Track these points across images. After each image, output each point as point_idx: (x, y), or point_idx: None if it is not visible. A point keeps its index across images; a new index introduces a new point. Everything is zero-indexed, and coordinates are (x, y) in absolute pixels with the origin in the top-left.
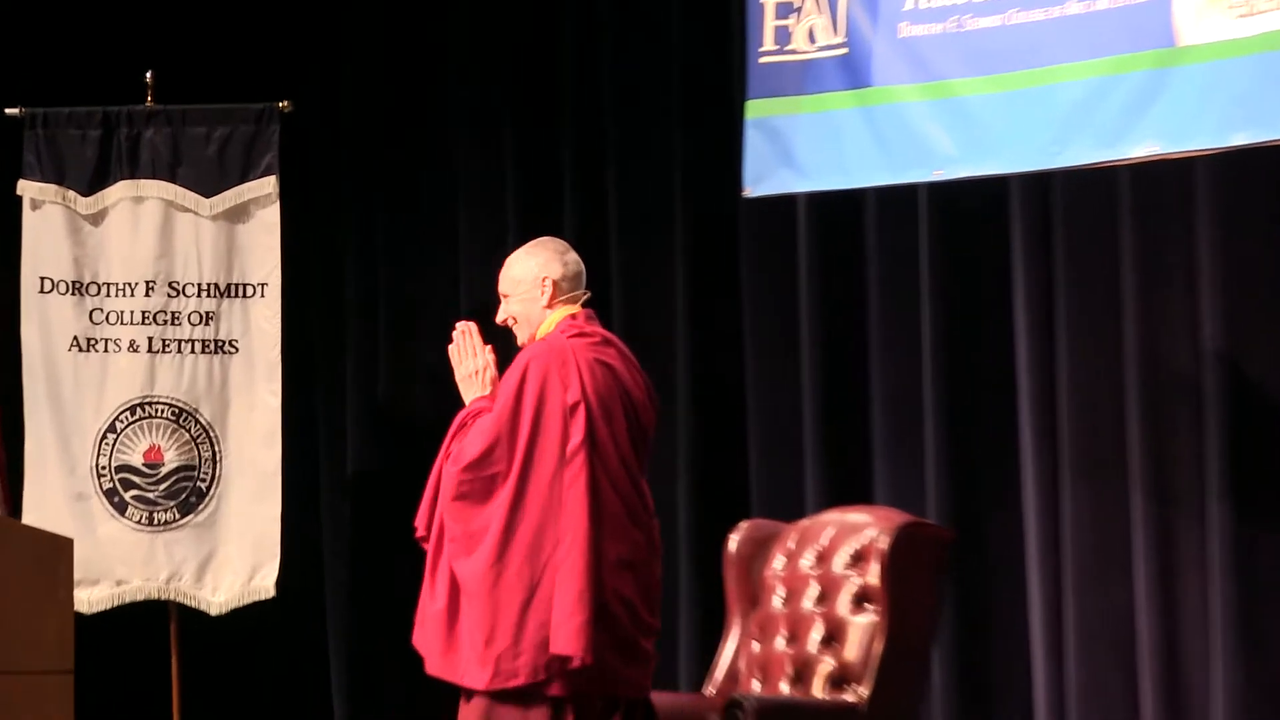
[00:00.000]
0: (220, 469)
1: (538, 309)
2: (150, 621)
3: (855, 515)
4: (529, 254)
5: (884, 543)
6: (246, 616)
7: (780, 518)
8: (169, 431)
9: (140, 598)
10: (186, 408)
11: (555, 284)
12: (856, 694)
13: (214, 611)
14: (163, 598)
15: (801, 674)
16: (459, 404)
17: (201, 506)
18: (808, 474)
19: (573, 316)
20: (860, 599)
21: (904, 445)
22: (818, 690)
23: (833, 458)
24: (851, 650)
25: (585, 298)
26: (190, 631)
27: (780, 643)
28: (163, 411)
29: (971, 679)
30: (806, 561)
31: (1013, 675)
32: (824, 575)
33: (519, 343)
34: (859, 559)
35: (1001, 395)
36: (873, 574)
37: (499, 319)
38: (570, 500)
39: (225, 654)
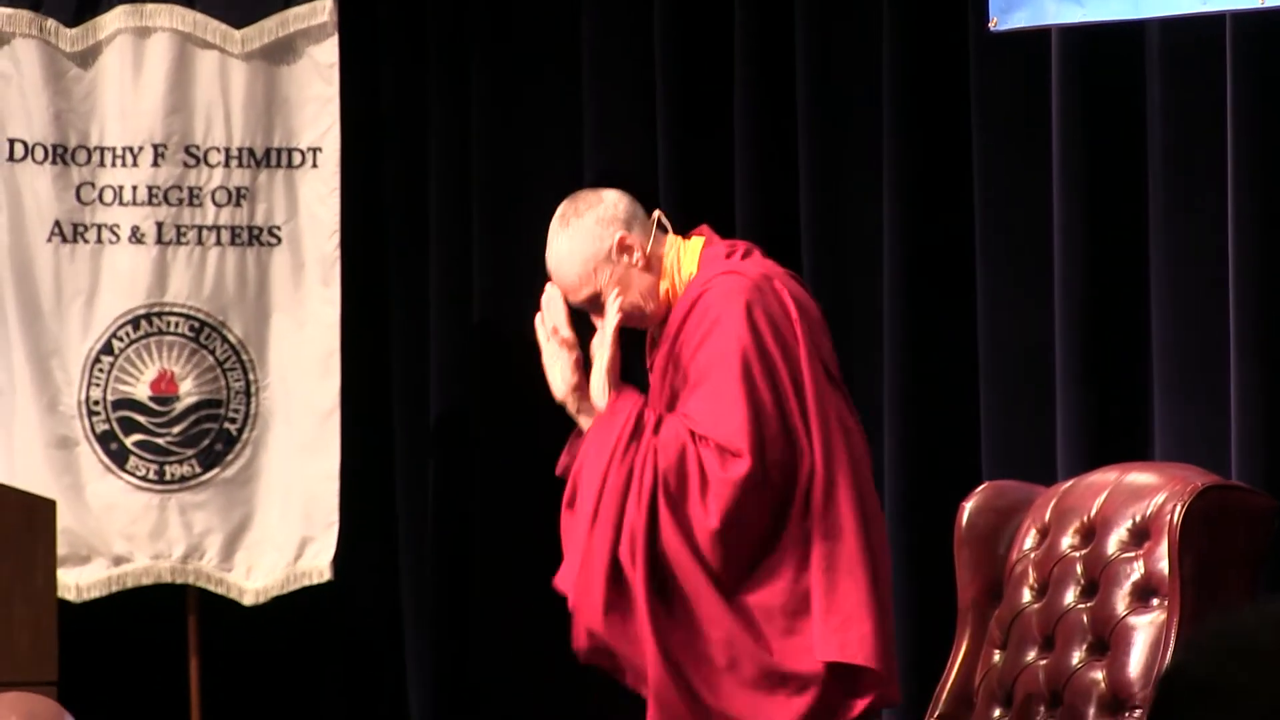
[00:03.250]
0: (256, 406)
1: (641, 277)
2: (162, 613)
3: (1136, 475)
4: (569, 236)
5: (1177, 513)
6: (292, 607)
7: (1026, 479)
8: (186, 353)
9: (148, 581)
10: (210, 321)
11: (636, 243)
12: None
13: (248, 601)
14: (178, 581)
15: (1060, 696)
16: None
17: (231, 457)
18: (1059, 420)
19: (710, 244)
20: (1143, 591)
21: (1199, 383)
22: (1084, 717)
23: (1097, 398)
24: (1130, 663)
25: (661, 219)
26: (215, 627)
27: (1032, 652)
28: (177, 326)
29: None
30: (1068, 539)
31: None
32: (1093, 558)
33: (653, 324)
34: (1141, 536)
35: None
36: (1161, 557)
37: (604, 341)
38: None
39: (262, 657)
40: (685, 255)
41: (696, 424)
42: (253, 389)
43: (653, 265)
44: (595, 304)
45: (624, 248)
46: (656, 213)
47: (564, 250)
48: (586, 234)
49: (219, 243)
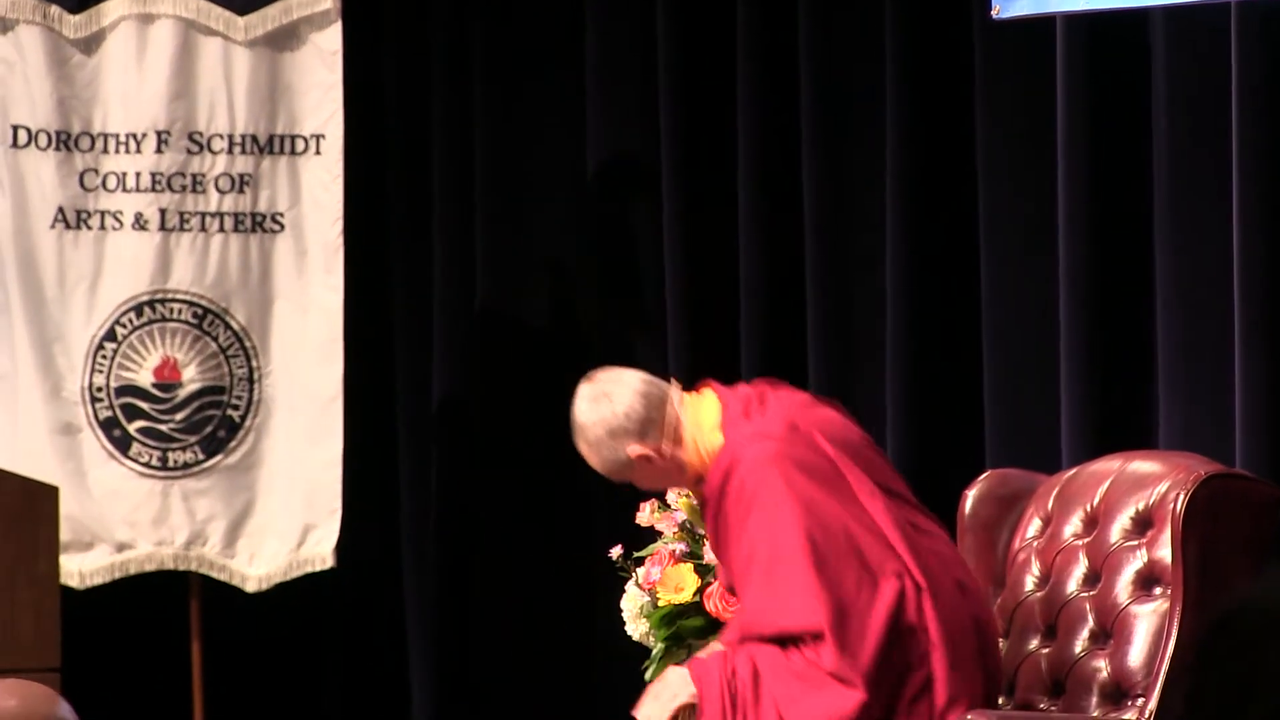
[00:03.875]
0: (259, 392)
1: (667, 467)
2: (164, 599)
3: (1139, 464)
4: (591, 444)
5: (1180, 502)
6: (295, 594)
7: (1030, 467)
8: (189, 340)
9: (150, 568)
10: (213, 307)
11: (653, 450)
12: (1138, 711)
13: (250, 588)
14: (181, 568)
15: (1062, 684)
16: (585, 307)
17: (234, 444)
18: (1064, 407)
19: (724, 404)
20: (1146, 580)
21: (1203, 372)
22: (1087, 707)
23: (1101, 387)
24: (1132, 652)
25: (680, 391)
26: (218, 613)
27: (1034, 641)
28: (180, 313)
29: None
30: (1071, 528)
31: None
32: (1095, 547)
33: (693, 496)
34: (1145, 524)
35: None
36: (1164, 545)
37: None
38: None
39: (265, 644)
40: (705, 423)
41: (765, 621)
42: (255, 376)
43: (675, 453)
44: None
45: (641, 459)
46: (671, 388)
47: (587, 450)
48: (602, 447)
49: (222, 229)
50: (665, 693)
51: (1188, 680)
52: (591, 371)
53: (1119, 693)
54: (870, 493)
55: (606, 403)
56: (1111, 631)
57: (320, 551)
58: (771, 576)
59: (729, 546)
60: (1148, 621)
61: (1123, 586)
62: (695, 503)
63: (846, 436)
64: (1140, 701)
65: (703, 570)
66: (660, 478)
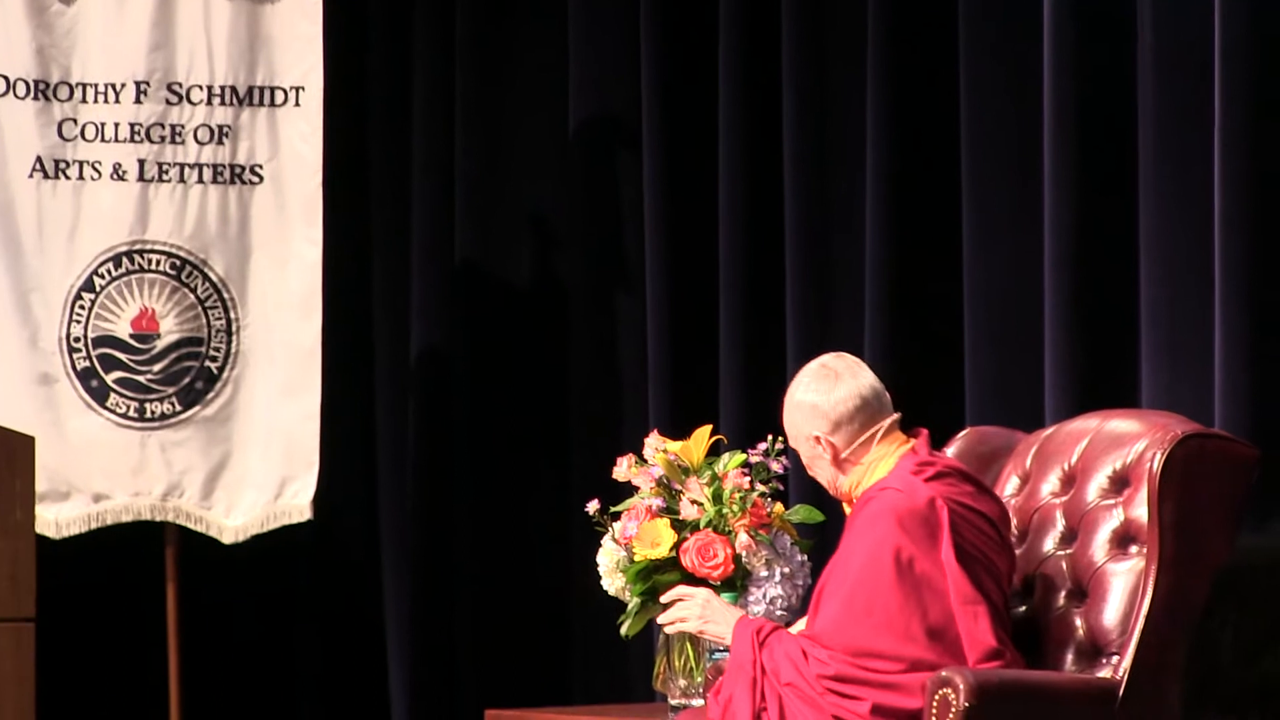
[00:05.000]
0: (237, 344)
1: (828, 469)
2: (141, 550)
3: (1117, 423)
4: (793, 404)
5: (1157, 461)
6: (272, 545)
7: (1012, 425)
8: (167, 291)
9: (128, 519)
10: (191, 259)
11: (829, 439)
12: (1112, 669)
13: (228, 539)
14: (158, 519)
15: (1040, 641)
16: (574, 265)
17: (211, 396)
18: (1047, 365)
19: (913, 453)
20: (1122, 539)
21: (1186, 329)
22: (1062, 664)
23: (1083, 344)
24: (1108, 610)
25: (895, 425)
26: (194, 564)
27: (1012, 598)
28: (158, 264)
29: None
30: (1049, 486)
31: None
32: (1073, 505)
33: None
34: (1122, 483)
35: None
36: (1140, 504)
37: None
38: None
39: (242, 594)
40: (886, 461)
41: (849, 635)
42: (234, 327)
43: (844, 463)
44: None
45: (816, 445)
46: (884, 422)
47: (787, 411)
48: (800, 411)
49: (201, 180)
50: (712, 615)
51: (1196, 633)
52: (844, 352)
53: (1094, 650)
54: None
55: (830, 382)
56: (1087, 589)
57: (298, 504)
58: (862, 597)
59: (838, 563)
60: (1124, 580)
61: (1099, 545)
62: (679, 461)
63: (985, 528)
64: (1115, 659)
65: (679, 525)
66: (820, 470)
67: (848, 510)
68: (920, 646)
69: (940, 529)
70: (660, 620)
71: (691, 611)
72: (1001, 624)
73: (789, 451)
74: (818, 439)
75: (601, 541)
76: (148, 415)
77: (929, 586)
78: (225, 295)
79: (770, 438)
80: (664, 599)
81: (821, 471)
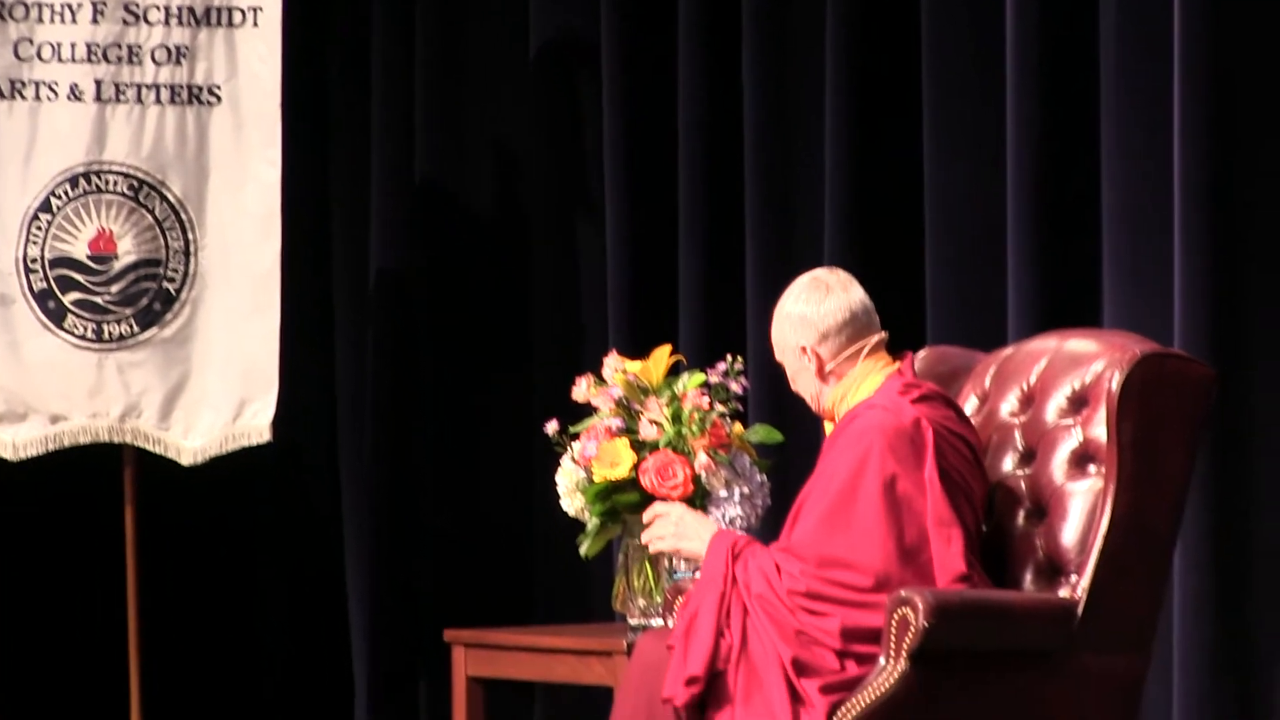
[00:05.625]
0: (195, 265)
1: (813, 383)
2: (99, 472)
3: (1076, 343)
4: (782, 314)
5: (1116, 380)
6: (230, 467)
7: (976, 345)
8: (124, 212)
9: (85, 440)
10: (149, 179)
11: (815, 350)
12: (1071, 589)
13: (186, 460)
14: (116, 440)
15: (999, 561)
16: (534, 187)
17: (170, 317)
18: (1010, 286)
19: (899, 374)
20: (1081, 458)
21: (1146, 251)
22: (1021, 583)
23: (1046, 265)
24: (1066, 529)
25: (881, 346)
26: (152, 486)
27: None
28: (116, 184)
29: (1230, 574)
30: (1008, 406)
31: None
32: (1031, 425)
33: (817, 412)
34: (1080, 403)
35: None
36: (1099, 424)
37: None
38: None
39: (200, 517)
40: (871, 379)
41: (819, 545)
42: (192, 248)
43: (828, 376)
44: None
45: (803, 355)
46: (872, 339)
47: (775, 322)
48: (789, 322)
49: (159, 101)
50: (686, 532)
51: None
52: (835, 267)
53: (1053, 569)
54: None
55: (821, 294)
56: (1046, 509)
57: (257, 425)
58: (842, 510)
59: (817, 478)
60: (1082, 500)
61: (1058, 464)
62: (638, 382)
63: (964, 451)
64: (1074, 579)
65: (638, 446)
66: (804, 383)
67: (828, 429)
68: (893, 563)
69: (925, 450)
70: (643, 540)
71: (666, 530)
72: (973, 549)
73: (748, 372)
74: (804, 350)
75: (560, 462)
76: (105, 336)
77: (908, 507)
78: (183, 216)
79: (729, 358)
80: (644, 518)
81: (806, 385)
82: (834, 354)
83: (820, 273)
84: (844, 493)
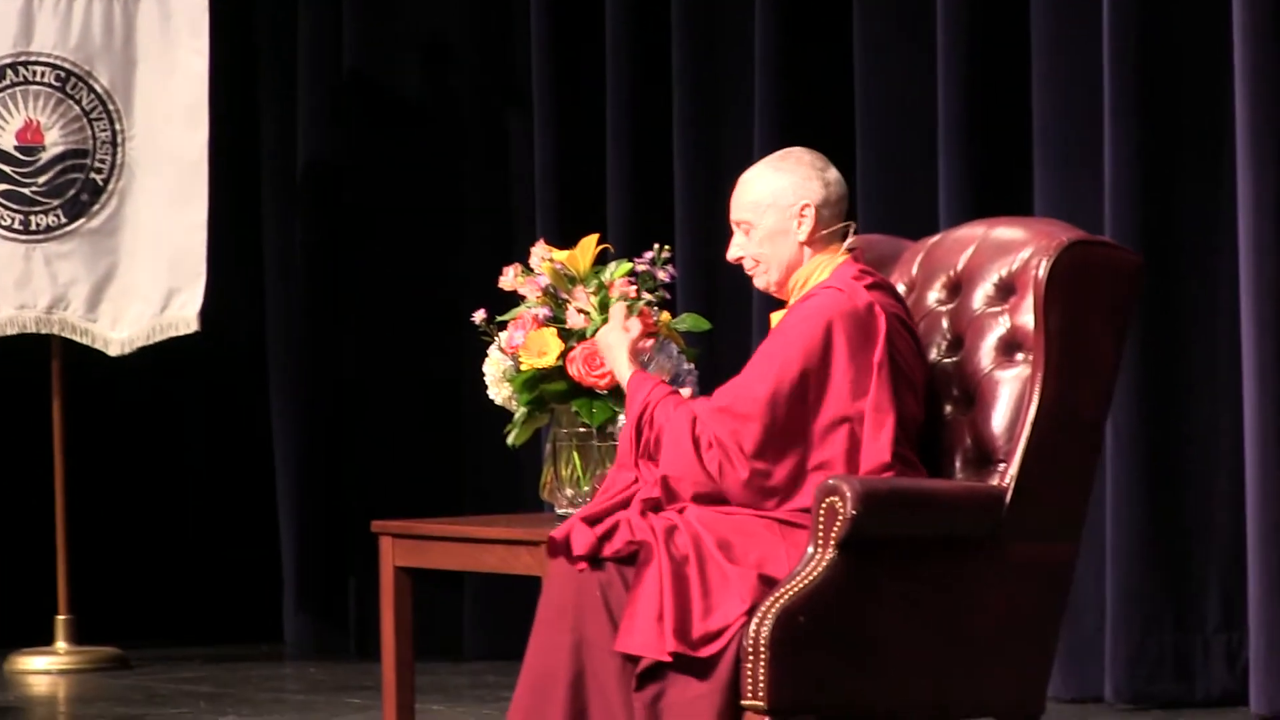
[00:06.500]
0: (123, 156)
1: (791, 247)
2: (26, 364)
3: (1004, 230)
4: (776, 170)
5: (1043, 268)
6: (158, 357)
7: (899, 233)
8: (52, 103)
9: (12, 331)
10: (76, 70)
11: (817, 212)
12: (999, 477)
13: (114, 351)
14: (43, 331)
15: (929, 449)
16: (462, 77)
17: (97, 208)
18: (941, 177)
19: (851, 261)
20: (1008, 346)
21: (1075, 141)
22: (951, 471)
23: (976, 155)
24: (995, 417)
25: (851, 236)
26: (80, 377)
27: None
28: (42, 75)
29: (1161, 460)
30: (935, 294)
31: (1214, 453)
32: (959, 313)
33: (763, 287)
34: (1007, 290)
35: (1216, 78)
36: (1026, 311)
37: (731, 256)
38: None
39: (128, 408)
40: (829, 265)
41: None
42: (119, 139)
43: (803, 250)
44: (744, 231)
45: (801, 214)
46: (850, 225)
47: (763, 177)
48: (792, 177)
49: None
50: (611, 355)
51: None
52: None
53: (982, 457)
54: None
55: (824, 162)
56: (975, 397)
57: (184, 315)
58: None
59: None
60: (1010, 387)
61: (985, 352)
62: (565, 270)
63: (906, 335)
64: (1003, 466)
65: (566, 335)
66: (780, 249)
67: (775, 320)
68: (818, 425)
69: (876, 334)
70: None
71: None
72: (911, 439)
73: (676, 261)
74: (805, 208)
75: (488, 351)
76: (33, 228)
77: (848, 382)
78: (110, 107)
79: (657, 247)
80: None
81: (781, 250)
82: (827, 224)
83: (814, 152)
84: (788, 352)
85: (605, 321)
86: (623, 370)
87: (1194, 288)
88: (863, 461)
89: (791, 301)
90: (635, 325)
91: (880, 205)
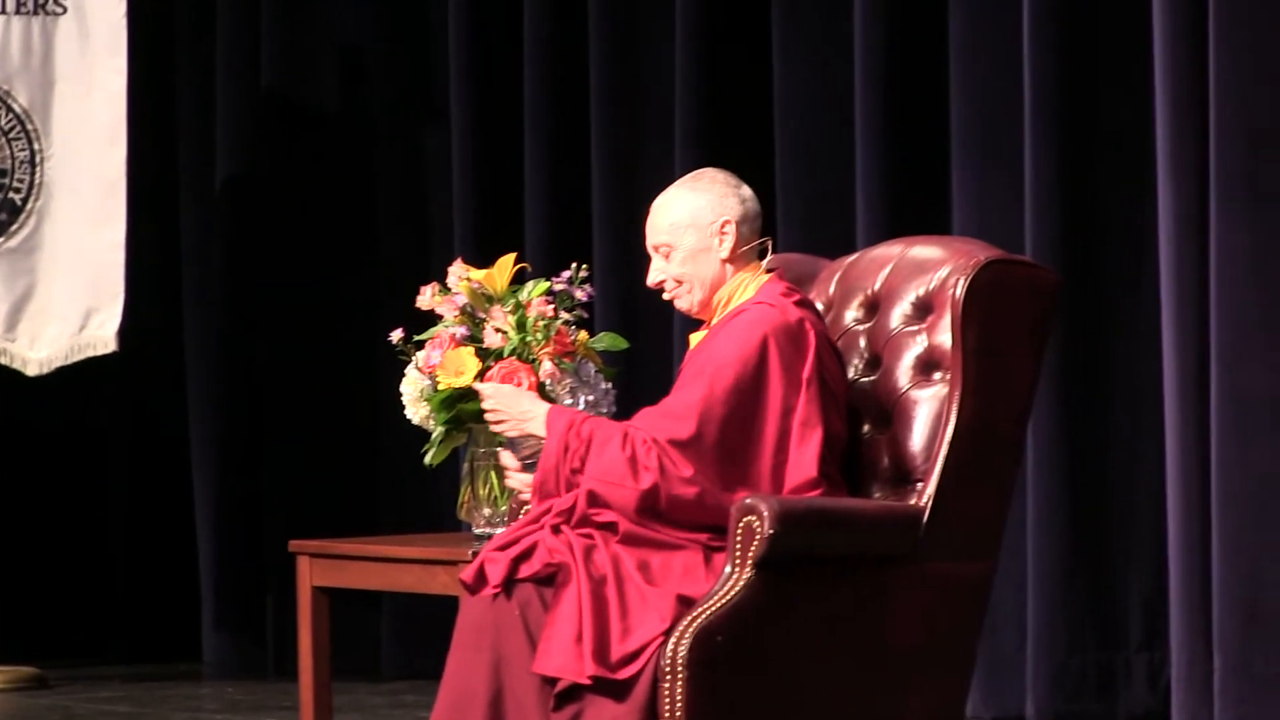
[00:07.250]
0: (41, 175)
1: (714, 266)
2: None
3: (922, 249)
4: (692, 190)
5: (960, 286)
6: (77, 377)
7: (819, 251)
8: None
9: None
10: None
11: (737, 228)
12: (917, 496)
13: (32, 371)
14: None
15: (849, 469)
16: (381, 94)
17: (15, 227)
18: (859, 193)
19: (777, 279)
20: (926, 365)
21: (995, 160)
22: (869, 491)
23: (894, 175)
24: (913, 437)
25: (770, 255)
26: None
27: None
28: None
29: (1082, 476)
30: (852, 313)
31: (1135, 470)
32: (876, 332)
33: (685, 309)
34: (925, 309)
35: (1136, 94)
36: (944, 330)
37: (651, 281)
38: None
39: (46, 427)
40: (753, 283)
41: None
42: (38, 159)
43: (725, 268)
44: (663, 255)
45: (722, 231)
46: (767, 241)
47: (680, 198)
48: (708, 196)
49: (4, 11)
50: (516, 410)
51: None
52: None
53: (900, 477)
54: (809, 398)
55: (737, 181)
56: (892, 416)
57: (103, 335)
58: (687, 387)
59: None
60: (928, 406)
61: (903, 371)
62: (483, 290)
63: (830, 354)
64: (920, 485)
65: (483, 354)
66: (702, 267)
67: (694, 341)
68: (749, 436)
69: (807, 350)
70: (491, 427)
71: (503, 415)
72: (833, 457)
73: (594, 280)
74: (726, 224)
75: (405, 371)
76: None
77: (779, 396)
78: (29, 126)
79: (574, 266)
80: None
81: (703, 268)
82: (747, 240)
83: (716, 170)
84: (721, 370)
85: (523, 341)
86: (538, 409)
87: (1114, 295)
88: (789, 476)
89: (714, 321)
90: (523, 378)
91: (798, 223)
